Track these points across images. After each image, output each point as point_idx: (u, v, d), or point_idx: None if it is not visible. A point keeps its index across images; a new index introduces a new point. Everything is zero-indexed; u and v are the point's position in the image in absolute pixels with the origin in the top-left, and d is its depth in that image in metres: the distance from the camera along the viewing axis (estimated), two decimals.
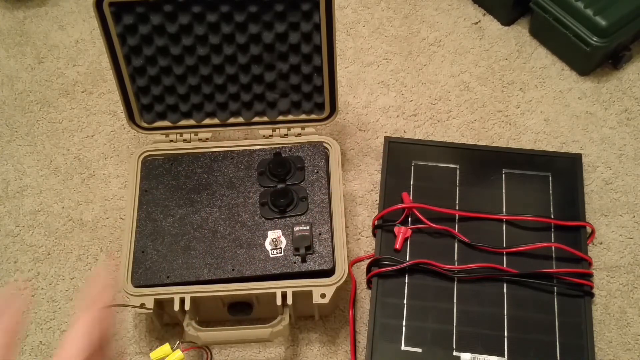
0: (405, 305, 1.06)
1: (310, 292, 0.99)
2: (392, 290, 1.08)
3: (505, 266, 1.09)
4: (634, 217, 1.18)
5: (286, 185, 1.09)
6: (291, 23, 1.06)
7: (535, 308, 1.06)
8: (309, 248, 1.03)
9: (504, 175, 1.19)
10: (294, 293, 0.99)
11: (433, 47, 1.40)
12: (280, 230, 1.05)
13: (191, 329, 0.98)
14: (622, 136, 1.27)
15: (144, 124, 1.15)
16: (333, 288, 0.99)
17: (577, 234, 1.12)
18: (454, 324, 1.05)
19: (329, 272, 1.01)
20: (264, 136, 1.16)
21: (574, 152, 1.24)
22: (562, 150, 1.25)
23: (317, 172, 1.11)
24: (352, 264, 1.14)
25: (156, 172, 1.12)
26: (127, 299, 1.00)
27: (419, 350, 1.03)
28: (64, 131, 1.31)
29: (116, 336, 1.09)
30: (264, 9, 1.04)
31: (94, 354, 0.57)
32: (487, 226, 1.13)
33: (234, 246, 1.05)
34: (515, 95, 1.33)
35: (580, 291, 1.07)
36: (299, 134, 1.15)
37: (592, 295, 1.08)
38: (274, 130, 1.16)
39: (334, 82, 1.11)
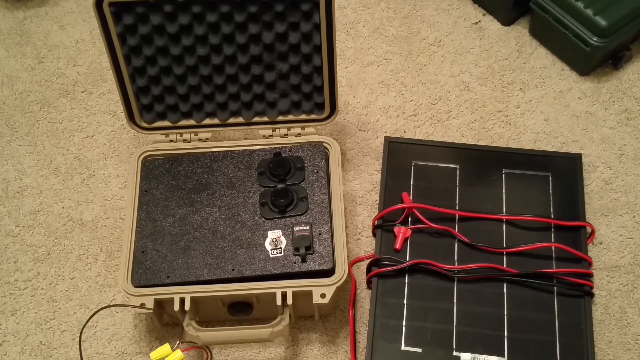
0: (405, 305, 1.06)
1: (310, 292, 0.99)
2: (392, 290, 1.08)
3: (505, 266, 1.09)
4: (634, 217, 1.18)
5: (286, 185, 1.09)
6: (291, 23, 1.06)
7: (535, 308, 1.06)
8: (309, 248, 1.03)
9: (504, 175, 1.19)
10: (294, 293, 0.99)
11: (433, 47, 1.40)
12: (280, 230, 1.05)
13: (191, 329, 0.99)
14: (622, 136, 1.27)
15: (144, 124, 1.15)
16: (333, 288, 0.99)
17: (577, 234, 1.12)
18: (454, 324, 1.05)
19: (329, 272, 1.01)
20: (264, 136, 1.16)
21: (574, 152, 1.24)
22: (562, 150, 1.25)
23: (317, 172, 1.11)
24: (352, 264, 1.14)
25: (156, 172, 1.12)
26: (127, 299, 1.00)
27: (419, 350, 1.03)
28: (64, 131, 1.31)
29: (116, 336, 1.10)
30: (264, 9, 1.04)
31: None
32: (487, 226, 1.13)
33: (234, 246, 1.05)
34: (515, 95, 1.33)
35: (580, 291, 1.07)
36: (299, 134, 1.15)
37: (592, 295, 1.08)
38: (274, 130, 1.16)
39: (334, 82, 1.11)
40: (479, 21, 1.43)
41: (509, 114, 1.31)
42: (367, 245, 1.17)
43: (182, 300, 0.99)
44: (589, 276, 1.09)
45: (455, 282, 1.08)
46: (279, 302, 0.99)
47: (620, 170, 1.23)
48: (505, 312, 1.05)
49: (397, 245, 1.11)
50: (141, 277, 1.02)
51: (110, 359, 1.08)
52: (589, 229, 1.14)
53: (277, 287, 1.00)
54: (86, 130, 1.31)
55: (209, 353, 1.04)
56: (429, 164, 1.20)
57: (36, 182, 1.25)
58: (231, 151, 1.14)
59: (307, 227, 1.05)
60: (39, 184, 1.25)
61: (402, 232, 1.11)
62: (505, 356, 1.02)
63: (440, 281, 1.08)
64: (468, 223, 1.13)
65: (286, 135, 1.16)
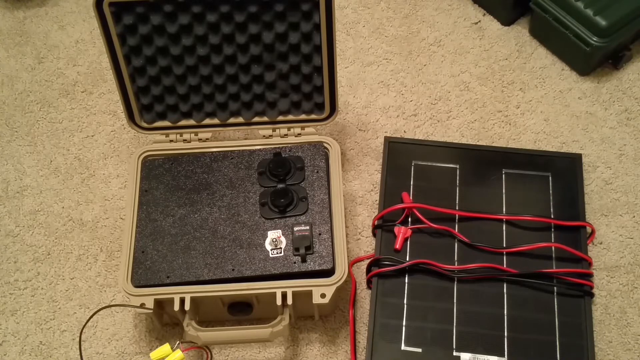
0: (405, 305, 1.06)
1: (310, 292, 0.99)
2: (392, 290, 1.08)
3: (505, 266, 1.09)
4: (634, 217, 1.18)
5: (286, 185, 1.09)
6: (291, 23, 1.06)
7: (535, 308, 1.06)
8: (309, 248, 1.03)
9: (504, 175, 1.19)
10: (294, 293, 0.99)
11: (433, 47, 1.40)
12: (280, 230, 1.05)
13: (191, 329, 0.99)
14: (622, 136, 1.27)
15: (144, 124, 1.15)
16: (333, 288, 0.99)
17: (577, 234, 1.12)
18: (454, 324, 1.05)
19: (329, 272, 1.01)
20: (264, 136, 1.16)
21: (574, 152, 1.24)
22: (562, 150, 1.25)
23: (317, 172, 1.11)
24: (352, 264, 1.14)
25: (156, 172, 1.12)
26: (127, 299, 1.00)
27: (419, 350, 1.03)
28: (64, 131, 1.31)
29: (116, 336, 1.09)
30: (264, 9, 1.04)
31: None
32: (487, 226, 1.13)
33: (234, 246, 1.05)
34: (515, 95, 1.33)
35: (580, 291, 1.07)
36: (299, 134, 1.15)
37: (592, 295, 1.08)
38: (274, 130, 1.16)
39: (334, 82, 1.11)
40: (479, 21, 1.44)
41: (509, 114, 1.31)
42: (367, 245, 1.17)
43: (182, 300, 0.99)
44: (589, 276, 1.09)
45: (455, 282, 1.08)
46: (279, 302, 0.99)
47: (620, 170, 1.23)
48: (505, 312, 1.05)
49: (397, 245, 1.11)
50: (141, 277, 1.02)
51: (110, 359, 1.08)
52: (589, 229, 1.14)
53: (277, 287, 1.00)
54: (86, 130, 1.31)
55: (209, 353, 1.04)
56: (429, 164, 1.20)
57: (36, 182, 1.25)
58: (231, 151, 1.14)
59: (307, 227, 1.05)
60: (39, 184, 1.25)
61: (402, 232, 1.11)
62: (505, 356, 1.02)
63: (440, 281, 1.08)
64: (468, 223, 1.13)
65: (286, 135, 1.16)
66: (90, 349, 1.09)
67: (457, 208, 1.15)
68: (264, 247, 1.04)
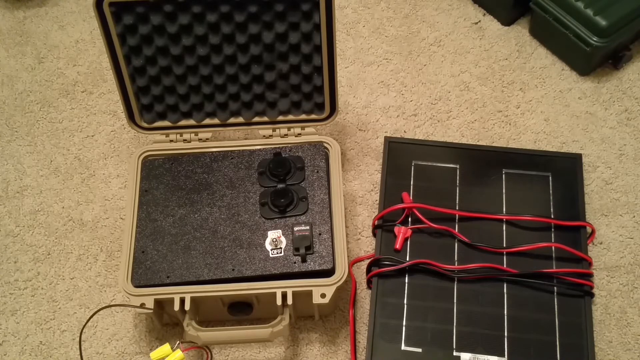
0: (405, 305, 1.06)
1: (310, 292, 0.99)
2: (392, 290, 1.08)
3: (505, 266, 1.09)
4: (634, 217, 1.18)
5: (286, 185, 1.09)
6: (291, 23, 1.06)
7: (535, 308, 1.06)
8: (309, 248, 1.03)
9: (504, 175, 1.19)
10: (294, 293, 0.99)
11: (433, 47, 1.40)
12: (280, 230, 1.05)
13: (191, 329, 0.99)
14: (622, 136, 1.27)
15: (144, 124, 1.15)
16: (333, 288, 0.99)
17: (577, 234, 1.12)
18: (454, 324, 1.05)
19: (329, 272, 1.01)
20: (264, 136, 1.16)
21: (574, 152, 1.24)
22: (562, 150, 1.25)
23: (317, 172, 1.11)
24: (352, 264, 1.14)
25: (156, 172, 1.12)
26: (127, 299, 1.00)
27: (419, 350, 1.03)
28: (64, 131, 1.31)
29: (116, 336, 1.10)
30: (264, 9, 1.04)
31: None
32: (487, 226, 1.13)
33: (234, 246, 1.05)
34: (515, 95, 1.33)
35: (580, 291, 1.07)
36: (299, 134, 1.16)
37: (592, 295, 1.08)
38: (274, 130, 1.16)
39: (334, 82, 1.11)
40: (479, 21, 1.44)
41: (509, 114, 1.31)
42: (367, 245, 1.17)
43: (182, 300, 0.99)
44: (589, 276, 1.09)
45: (455, 282, 1.08)
46: (279, 302, 0.99)
47: (620, 170, 1.23)
48: (505, 312, 1.05)
49: (397, 245, 1.11)
50: (141, 277, 1.02)
51: (110, 359, 1.08)
52: (589, 229, 1.14)
53: (277, 287, 1.00)
54: (86, 130, 1.31)
55: (209, 353, 1.04)
56: (429, 164, 1.20)
57: (36, 182, 1.25)
58: (231, 151, 1.14)
59: (307, 227, 1.05)
60: (39, 184, 1.25)
61: (402, 232, 1.11)
62: (505, 356, 1.02)
63: (440, 281, 1.08)
64: (468, 223, 1.13)
65: (286, 135, 1.16)
66: (90, 349, 1.09)
67: (457, 208, 1.15)
68: (264, 247, 1.04)
